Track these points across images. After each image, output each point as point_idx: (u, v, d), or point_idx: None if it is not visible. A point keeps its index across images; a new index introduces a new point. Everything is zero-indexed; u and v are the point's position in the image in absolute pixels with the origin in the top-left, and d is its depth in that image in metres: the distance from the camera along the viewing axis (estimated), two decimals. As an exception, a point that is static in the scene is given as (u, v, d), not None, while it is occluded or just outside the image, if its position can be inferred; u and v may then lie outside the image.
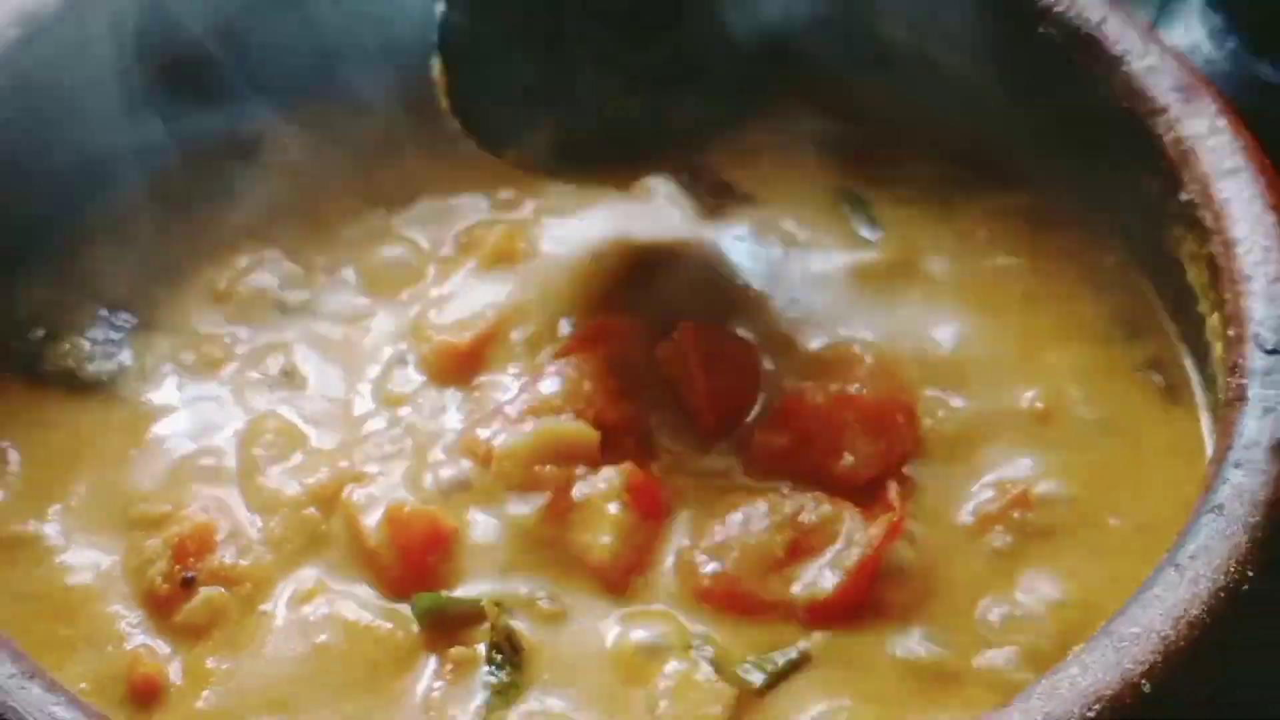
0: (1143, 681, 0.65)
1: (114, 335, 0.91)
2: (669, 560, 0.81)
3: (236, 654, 0.77)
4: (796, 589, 0.78)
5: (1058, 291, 0.94)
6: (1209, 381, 0.87)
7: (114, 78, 0.92)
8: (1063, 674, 0.65)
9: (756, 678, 0.76)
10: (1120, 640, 0.66)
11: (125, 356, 0.90)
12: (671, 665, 0.76)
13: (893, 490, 0.81)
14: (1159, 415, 0.88)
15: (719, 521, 0.81)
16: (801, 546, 0.80)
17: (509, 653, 0.76)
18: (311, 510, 0.82)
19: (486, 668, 0.76)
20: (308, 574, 0.80)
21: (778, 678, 0.76)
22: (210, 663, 0.76)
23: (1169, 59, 0.90)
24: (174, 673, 0.76)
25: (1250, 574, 0.68)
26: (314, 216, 0.98)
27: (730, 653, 0.77)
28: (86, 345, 0.89)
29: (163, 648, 0.78)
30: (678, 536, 0.81)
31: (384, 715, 0.76)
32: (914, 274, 0.94)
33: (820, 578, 0.79)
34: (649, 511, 0.80)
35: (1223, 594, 0.67)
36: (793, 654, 0.77)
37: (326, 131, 1.01)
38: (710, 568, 0.80)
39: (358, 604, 0.79)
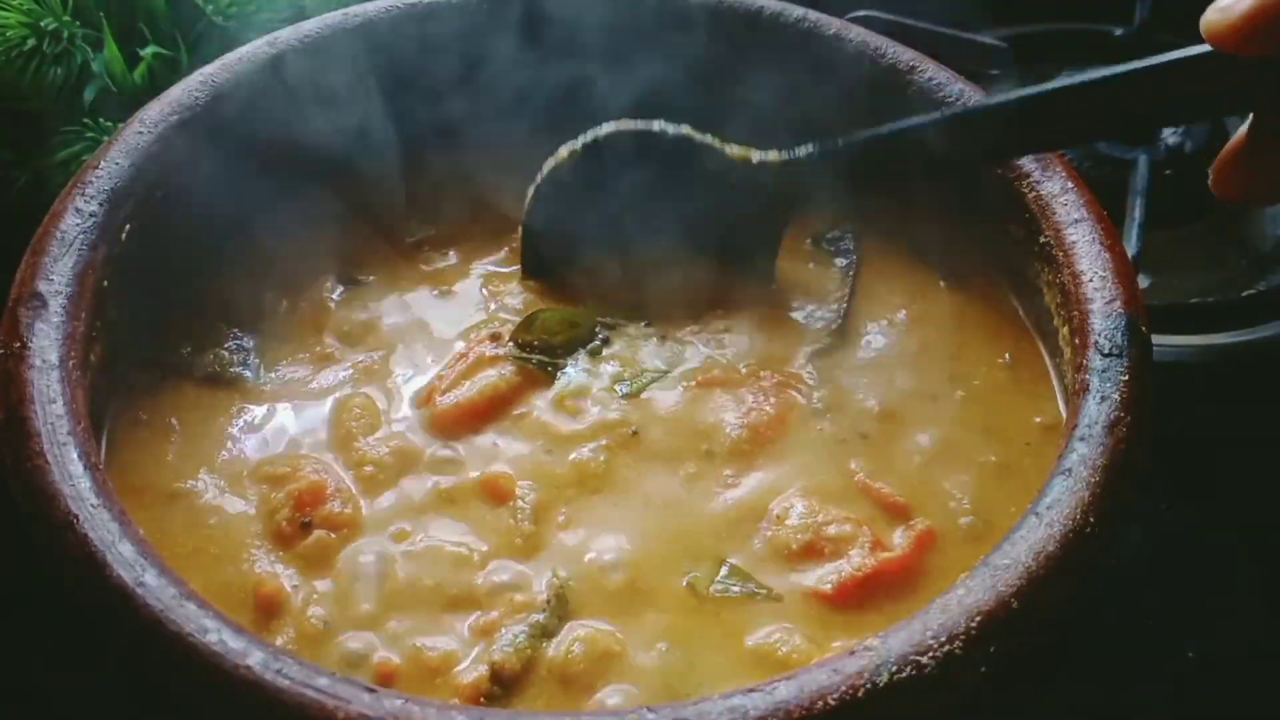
0: (1012, 600, 0.71)
1: (246, 344, 0.98)
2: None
3: (340, 580, 0.84)
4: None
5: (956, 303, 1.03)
6: (1061, 378, 0.93)
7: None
8: (952, 594, 0.72)
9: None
10: (995, 570, 0.73)
11: (254, 360, 0.97)
12: None
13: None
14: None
15: None
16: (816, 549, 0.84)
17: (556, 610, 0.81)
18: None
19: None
20: (398, 523, 0.87)
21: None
22: (320, 586, 0.83)
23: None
24: (291, 591, 0.83)
25: (1091, 520, 0.75)
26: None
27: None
28: (225, 355, 0.96)
29: (283, 571, 0.84)
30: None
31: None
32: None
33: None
34: None
35: (1070, 535, 0.74)
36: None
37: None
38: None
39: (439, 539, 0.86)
